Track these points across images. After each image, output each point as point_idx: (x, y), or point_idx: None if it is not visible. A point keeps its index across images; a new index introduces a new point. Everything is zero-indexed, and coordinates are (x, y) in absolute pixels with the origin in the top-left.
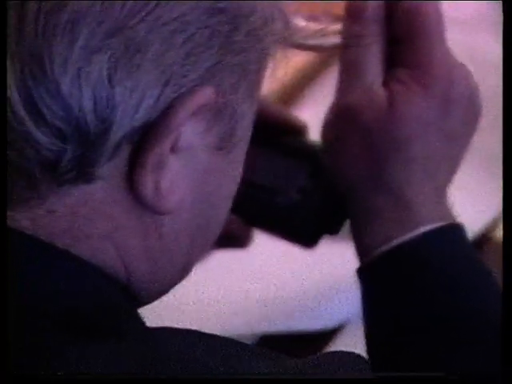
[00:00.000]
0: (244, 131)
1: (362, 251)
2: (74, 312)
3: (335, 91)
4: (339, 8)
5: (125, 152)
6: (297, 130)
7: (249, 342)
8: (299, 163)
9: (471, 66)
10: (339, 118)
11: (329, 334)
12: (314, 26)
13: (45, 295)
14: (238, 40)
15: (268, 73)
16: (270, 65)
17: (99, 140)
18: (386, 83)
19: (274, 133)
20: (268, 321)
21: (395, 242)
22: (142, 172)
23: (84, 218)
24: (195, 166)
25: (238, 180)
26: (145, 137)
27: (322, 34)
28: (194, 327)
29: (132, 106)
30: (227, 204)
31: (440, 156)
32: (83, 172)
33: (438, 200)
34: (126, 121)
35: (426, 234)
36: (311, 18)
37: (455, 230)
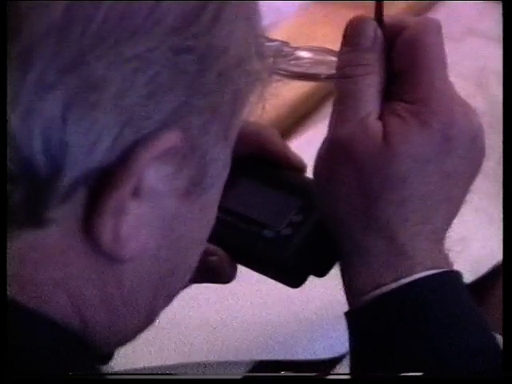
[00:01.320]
0: (216, 175)
1: (350, 294)
2: (19, 363)
3: (329, 123)
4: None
5: (81, 195)
6: (295, 168)
7: (246, 369)
8: (291, 198)
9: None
10: (332, 152)
11: (328, 364)
12: (306, 54)
13: None
14: (208, 81)
15: (248, 109)
16: (250, 102)
17: (50, 182)
18: (382, 116)
19: (270, 167)
20: (267, 348)
21: (385, 289)
22: (100, 217)
23: (33, 263)
24: (160, 211)
25: (211, 225)
26: (103, 180)
27: (316, 62)
28: (192, 353)
29: (87, 147)
30: (198, 249)
31: (438, 197)
32: (32, 215)
33: (434, 245)
34: (79, 163)
35: (417, 282)
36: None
37: (450, 278)
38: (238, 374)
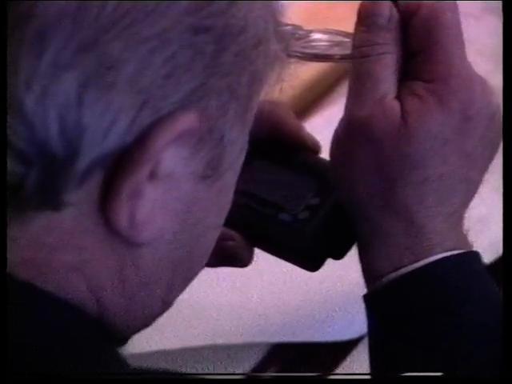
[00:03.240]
0: (233, 158)
1: (368, 277)
2: (35, 349)
3: (345, 104)
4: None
5: (97, 178)
6: (310, 149)
7: (263, 351)
8: (308, 180)
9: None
10: (349, 133)
11: (348, 346)
12: (320, 36)
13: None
14: (225, 61)
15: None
16: (268, 83)
17: (66, 164)
18: (399, 96)
19: (285, 148)
20: (283, 330)
21: (404, 271)
22: (116, 200)
23: (50, 247)
24: (177, 194)
25: (228, 208)
26: (119, 163)
27: (331, 44)
28: (210, 335)
29: (103, 129)
30: (214, 234)
31: (456, 177)
32: (48, 198)
33: (453, 226)
34: (96, 145)
35: (437, 263)
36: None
37: (469, 259)
38: (239, 374)
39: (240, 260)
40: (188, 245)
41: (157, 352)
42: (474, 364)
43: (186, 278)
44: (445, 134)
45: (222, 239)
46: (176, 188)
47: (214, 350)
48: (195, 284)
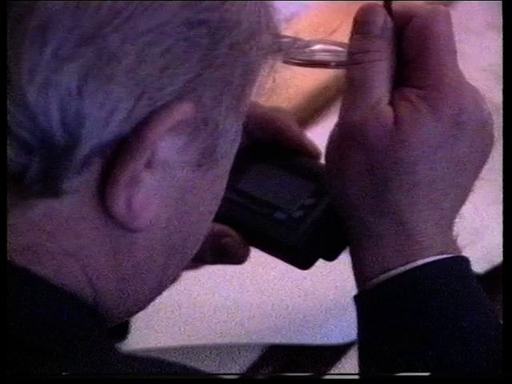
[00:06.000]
0: (227, 147)
1: (359, 278)
2: (31, 334)
3: (340, 109)
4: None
5: (96, 166)
6: (310, 155)
7: (257, 352)
8: (305, 183)
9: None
10: (343, 137)
11: (341, 349)
12: (318, 46)
13: None
14: (220, 53)
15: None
16: (261, 75)
17: (67, 153)
18: (392, 102)
19: (286, 153)
20: (278, 332)
21: (393, 272)
22: (114, 188)
23: (48, 233)
24: (172, 182)
25: (221, 196)
26: (118, 151)
27: (327, 53)
28: (204, 334)
29: (102, 119)
30: (207, 221)
31: (447, 183)
32: (49, 185)
33: (443, 230)
34: (95, 134)
35: (425, 267)
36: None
37: (458, 263)
38: (236, 374)
39: (236, 256)
40: (182, 231)
41: (151, 350)
42: (461, 364)
43: (178, 264)
44: (436, 139)
45: (218, 236)
46: (172, 176)
47: (208, 349)
48: (190, 284)
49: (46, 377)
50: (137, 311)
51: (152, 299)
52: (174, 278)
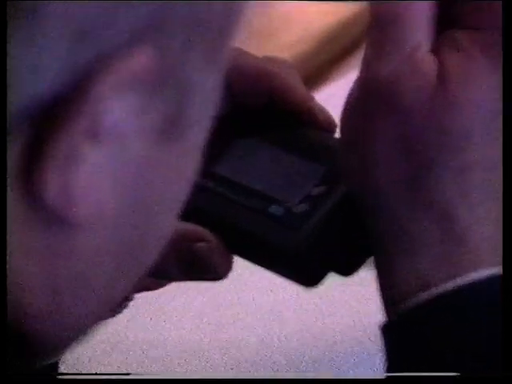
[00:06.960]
0: (200, 111)
1: (388, 299)
2: None
3: (362, 61)
4: None
5: (22, 139)
6: (320, 127)
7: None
8: (311, 165)
9: None
10: (367, 98)
11: None
12: None
13: None
14: None
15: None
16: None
17: None
18: (436, 50)
19: (286, 124)
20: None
21: (437, 290)
22: (45, 166)
23: None
24: (125, 158)
25: (191, 180)
26: (49, 117)
27: None
28: (212, 368)
29: (25, 71)
30: (172, 214)
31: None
32: None
33: (500, 231)
34: (17, 92)
35: (482, 283)
36: None
37: None
38: (237, 374)
39: (214, 269)
40: (138, 226)
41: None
42: None
43: (134, 272)
44: (498, 103)
45: (189, 239)
46: (124, 149)
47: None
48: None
49: (46, 377)
50: (75, 338)
51: (99, 319)
52: (126, 297)
